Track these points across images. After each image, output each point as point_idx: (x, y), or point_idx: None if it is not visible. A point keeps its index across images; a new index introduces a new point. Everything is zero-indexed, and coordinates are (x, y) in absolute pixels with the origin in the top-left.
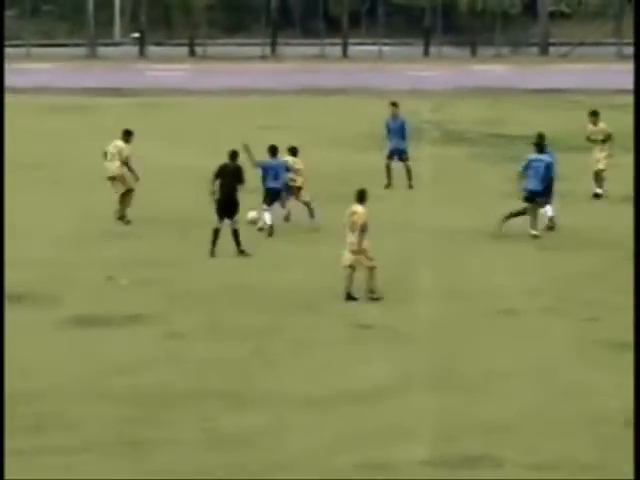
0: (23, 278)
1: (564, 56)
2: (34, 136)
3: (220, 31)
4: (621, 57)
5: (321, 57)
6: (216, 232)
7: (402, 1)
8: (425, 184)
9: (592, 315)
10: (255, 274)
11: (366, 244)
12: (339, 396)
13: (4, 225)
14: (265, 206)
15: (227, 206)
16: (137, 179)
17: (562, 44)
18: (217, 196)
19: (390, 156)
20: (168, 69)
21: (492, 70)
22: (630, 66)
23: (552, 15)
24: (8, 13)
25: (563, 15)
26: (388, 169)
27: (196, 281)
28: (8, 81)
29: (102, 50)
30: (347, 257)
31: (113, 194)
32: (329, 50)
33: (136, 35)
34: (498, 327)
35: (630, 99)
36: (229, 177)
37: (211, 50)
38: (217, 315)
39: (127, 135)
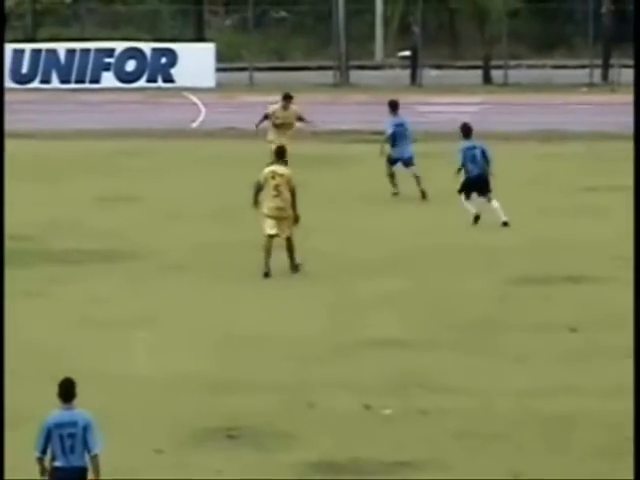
0: (247, 407)
1: None
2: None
3: (527, 48)
4: None
5: None
6: None
7: None
8: None
9: None
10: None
11: None
12: None
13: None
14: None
15: None
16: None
17: None
18: None
19: None
20: (452, 102)
21: None
22: None
23: None
24: (226, 23)
25: None
26: None
27: (504, 414)
28: (228, 120)
29: (357, 75)
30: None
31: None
32: None
33: (406, 54)
34: None
35: None
36: None
37: (515, 75)
38: (528, 461)
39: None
